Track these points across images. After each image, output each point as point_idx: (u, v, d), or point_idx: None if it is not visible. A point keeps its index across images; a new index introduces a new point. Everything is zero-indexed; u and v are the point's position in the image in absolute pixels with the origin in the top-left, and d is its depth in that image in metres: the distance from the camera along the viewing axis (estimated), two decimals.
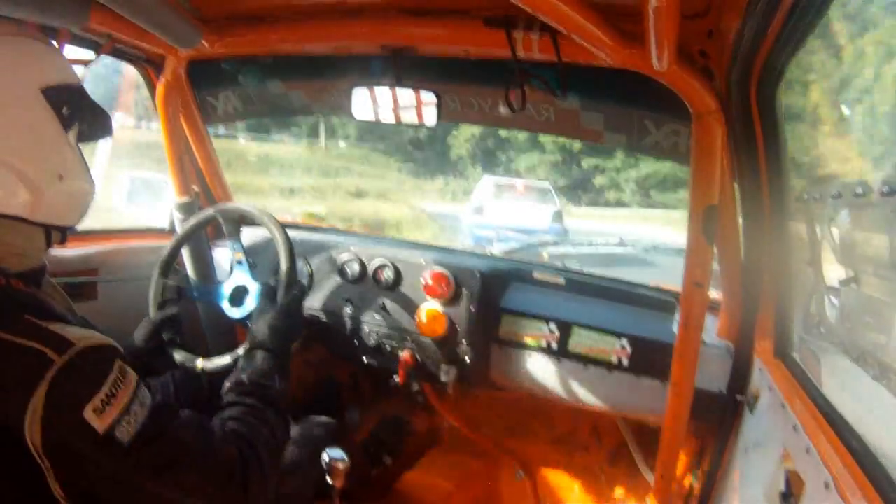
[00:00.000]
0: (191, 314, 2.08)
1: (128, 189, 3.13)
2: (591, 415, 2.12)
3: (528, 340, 1.73)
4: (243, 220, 1.60)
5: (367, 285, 1.84)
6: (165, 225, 2.19)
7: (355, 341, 1.86)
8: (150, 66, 1.90)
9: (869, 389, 1.54)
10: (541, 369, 1.74)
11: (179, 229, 1.74)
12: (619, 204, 20.85)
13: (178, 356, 1.47)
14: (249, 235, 1.80)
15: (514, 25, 1.30)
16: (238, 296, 1.56)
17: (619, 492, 2.06)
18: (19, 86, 0.90)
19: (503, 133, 21.94)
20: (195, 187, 2.07)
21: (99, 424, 0.80)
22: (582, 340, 1.68)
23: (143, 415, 0.85)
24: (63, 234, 1.00)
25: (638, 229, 13.55)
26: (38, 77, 0.92)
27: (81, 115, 0.98)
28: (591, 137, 1.72)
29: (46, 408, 0.77)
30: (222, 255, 2.08)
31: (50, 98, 0.92)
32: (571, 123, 1.70)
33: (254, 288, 1.52)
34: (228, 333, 2.05)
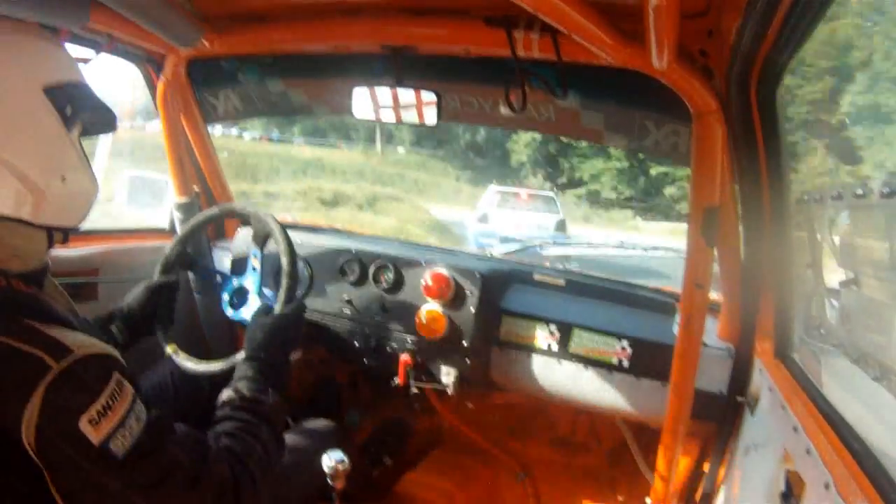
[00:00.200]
0: (191, 314, 2.08)
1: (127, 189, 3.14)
2: (591, 416, 2.12)
3: (529, 342, 1.73)
4: (245, 220, 1.60)
5: (367, 286, 1.84)
6: (165, 225, 2.19)
7: (355, 342, 1.85)
8: (150, 64, 1.90)
9: (869, 390, 1.54)
10: (541, 370, 1.74)
11: (179, 229, 1.74)
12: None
13: (178, 359, 1.47)
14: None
15: (514, 25, 1.30)
16: (240, 297, 1.57)
17: (619, 492, 2.06)
18: (21, 86, 0.88)
19: (564, 138, 19.45)
20: (195, 187, 2.07)
21: (94, 436, 0.79)
22: (582, 342, 1.68)
23: (139, 429, 0.84)
24: (65, 234, 0.99)
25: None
26: (39, 76, 0.90)
27: (84, 112, 0.96)
28: (592, 137, 1.72)
29: (42, 415, 0.77)
30: (222, 255, 2.08)
31: (52, 97, 0.91)
32: (572, 123, 1.70)
33: (255, 298, 1.54)
34: (228, 333, 2.05)
